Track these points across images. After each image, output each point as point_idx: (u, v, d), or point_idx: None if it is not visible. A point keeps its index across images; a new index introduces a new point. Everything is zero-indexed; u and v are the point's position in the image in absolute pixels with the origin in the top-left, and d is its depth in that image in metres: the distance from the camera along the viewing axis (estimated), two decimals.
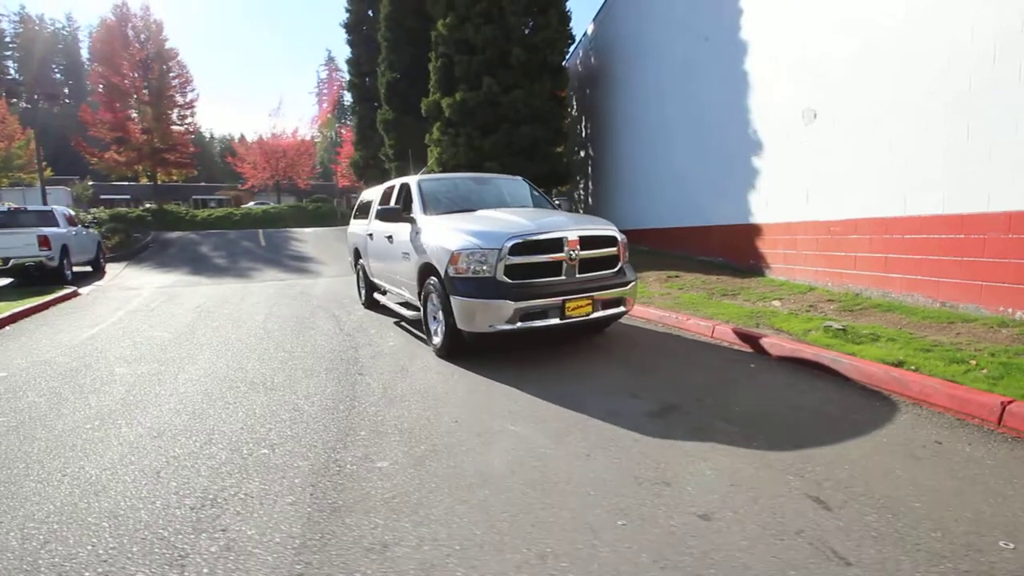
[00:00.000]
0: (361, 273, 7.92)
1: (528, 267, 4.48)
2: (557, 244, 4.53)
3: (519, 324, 4.37)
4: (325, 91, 71.50)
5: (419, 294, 5.33)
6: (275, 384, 4.24)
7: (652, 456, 2.79)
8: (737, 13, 8.12)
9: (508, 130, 13.09)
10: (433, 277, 4.90)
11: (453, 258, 4.48)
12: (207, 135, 65.26)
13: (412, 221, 5.48)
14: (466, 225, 4.77)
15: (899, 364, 3.81)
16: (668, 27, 10.39)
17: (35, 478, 2.73)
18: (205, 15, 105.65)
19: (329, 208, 42.06)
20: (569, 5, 13.82)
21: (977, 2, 4.91)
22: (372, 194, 7.71)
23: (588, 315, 4.61)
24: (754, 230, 7.88)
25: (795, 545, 2.01)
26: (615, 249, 4.87)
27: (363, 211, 7.93)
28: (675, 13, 10.13)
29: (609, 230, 4.88)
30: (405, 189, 6.11)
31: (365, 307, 7.88)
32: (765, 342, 4.66)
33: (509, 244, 4.38)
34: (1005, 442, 2.84)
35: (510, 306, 4.31)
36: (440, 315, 4.90)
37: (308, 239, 22.95)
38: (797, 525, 2.14)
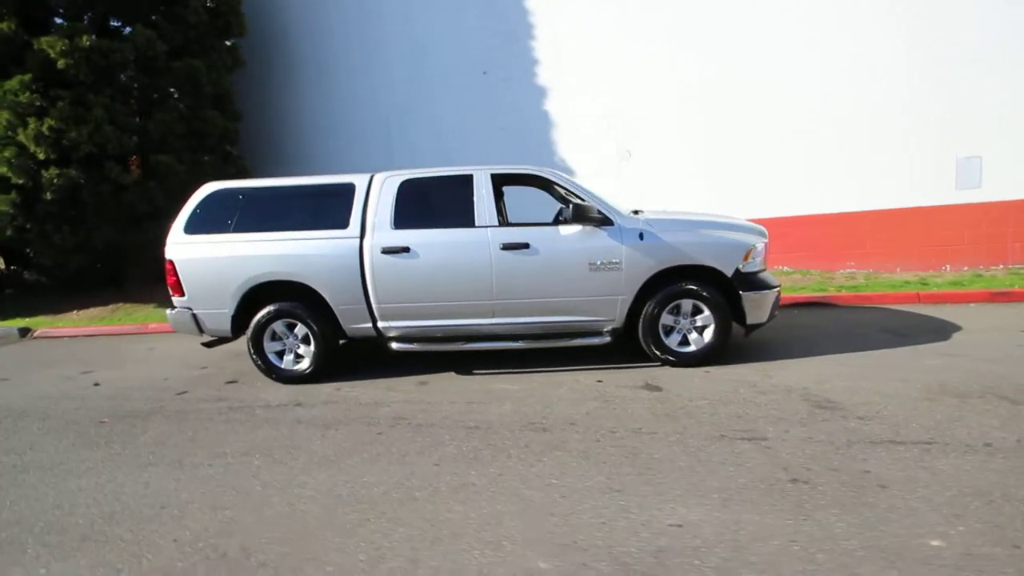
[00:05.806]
0: (299, 329, 4.54)
1: None
2: None
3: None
4: None
5: (630, 308, 4.40)
6: None
7: (948, 350, 4.47)
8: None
9: (186, 113, 8.94)
10: (684, 283, 4.29)
11: (747, 253, 4.29)
12: None
13: (606, 223, 4.35)
14: (715, 220, 4.67)
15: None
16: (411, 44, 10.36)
17: None
18: None
19: None
20: None
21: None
22: (333, 193, 4.63)
23: None
24: None
25: None
26: None
27: (264, 219, 4.58)
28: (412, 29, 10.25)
29: None
30: (538, 185, 4.69)
31: (305, 379, 4.65)
32: (832, 299, 6.79)
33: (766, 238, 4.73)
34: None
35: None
36: (691, 321, 4.40)
37: None
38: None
